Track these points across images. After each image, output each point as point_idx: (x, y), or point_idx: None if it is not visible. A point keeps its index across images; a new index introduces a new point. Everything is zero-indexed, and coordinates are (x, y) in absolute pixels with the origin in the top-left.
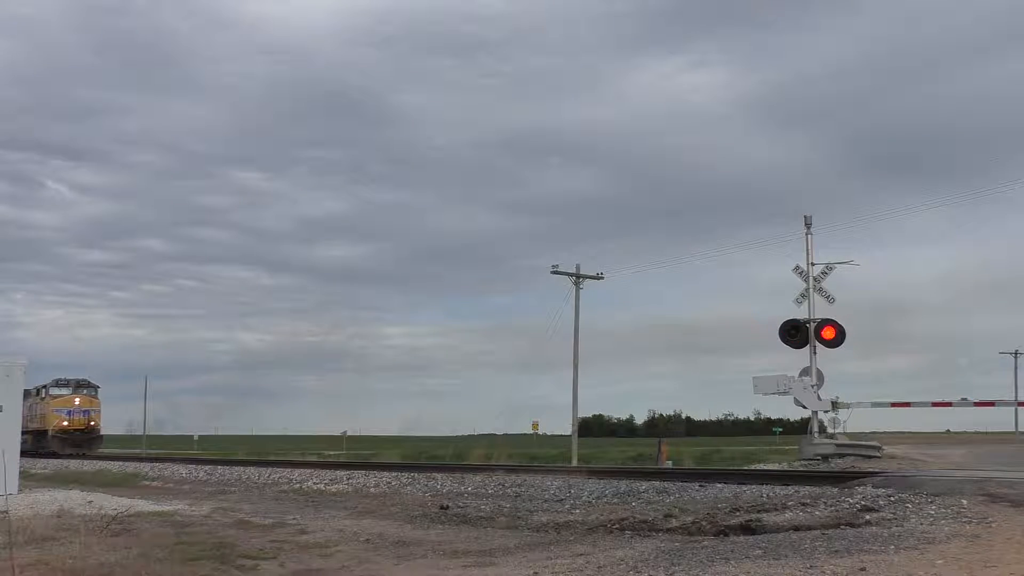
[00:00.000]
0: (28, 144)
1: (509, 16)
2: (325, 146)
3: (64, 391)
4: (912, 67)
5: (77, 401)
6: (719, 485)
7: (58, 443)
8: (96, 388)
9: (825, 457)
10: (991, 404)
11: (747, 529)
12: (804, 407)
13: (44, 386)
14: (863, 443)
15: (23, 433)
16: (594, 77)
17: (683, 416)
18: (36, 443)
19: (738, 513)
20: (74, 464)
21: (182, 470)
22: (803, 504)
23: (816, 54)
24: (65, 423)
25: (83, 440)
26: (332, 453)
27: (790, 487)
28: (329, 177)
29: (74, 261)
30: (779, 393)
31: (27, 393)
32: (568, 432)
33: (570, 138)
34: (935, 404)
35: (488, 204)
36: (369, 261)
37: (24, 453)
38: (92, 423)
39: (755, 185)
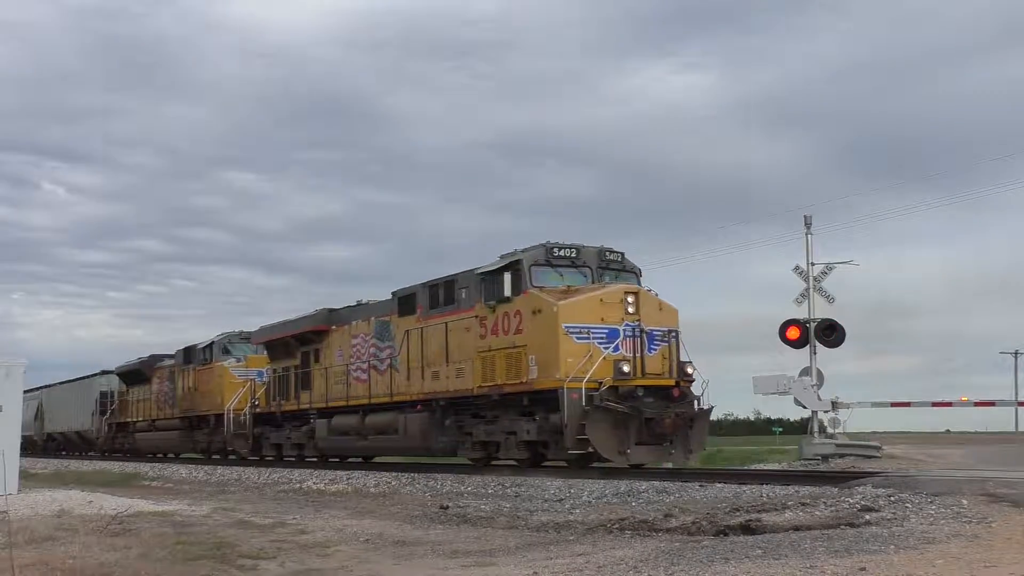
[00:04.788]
0: (24, 146)
1: (505, 18)
2: (321, 148)
3: (567, 268)
4: (911, 67)
5: (631, 302)
6: (719, 485)
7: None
8: (638, 273)
9: (825, 457)
10: (991, 404)
11: (747, 529)
12: (804, 407)
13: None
14: (863, 443)
15: (392, 410)
16: (590, 79)
17: None
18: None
19: (738, 513)
20: (74, 464)
21: (182, 470)
22: (803, 504)
23: (814, 55)
24: (625, 368)
25: (677, 424)
26: None
27: (790, 487)
28: (325, 178)
29: (71, 262)
30: (779, 393)
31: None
32: None
33: (567, 139)
34: (935, 404)
35: (486, 205)
36: (366, 262)
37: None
38: (690, 373)
39: (754, 185)
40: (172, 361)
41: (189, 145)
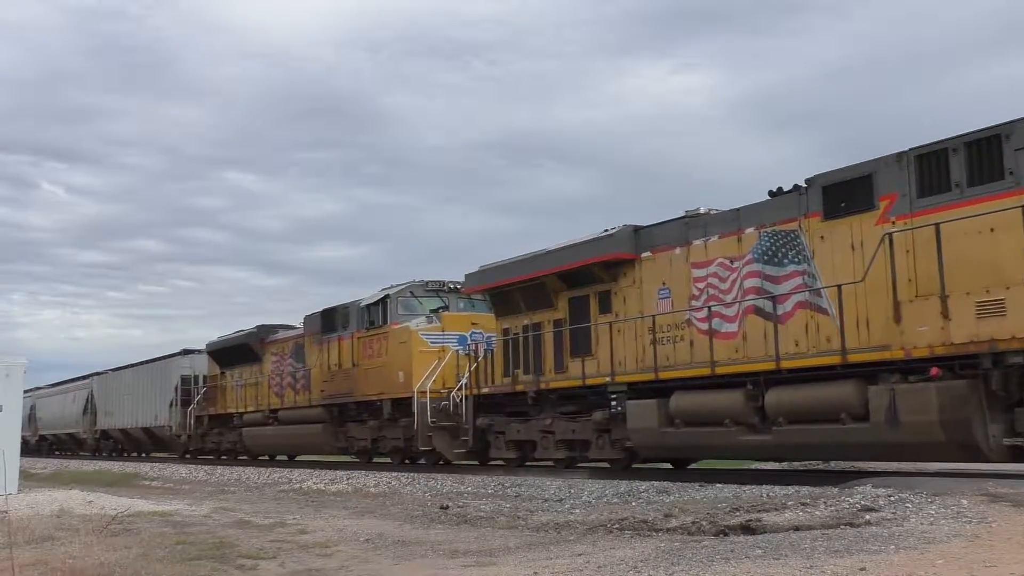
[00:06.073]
0: (23, 146)
1: (505, 18)
2: (320, 148)
3: None
4: (910, 67)
5: None
6: (719, 485)
7: None
8: None
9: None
10: None
11: (747, 529)
12: None
13: None
14: None
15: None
16: (590, 79)
17: None
18: None
19: (738, 513)
20: (74, 464)
21: (182, 470)
22: (803, 504)
23: (814, 55)
24: None
25: None
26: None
27: (790, 487)
28: (324, 179)
29: (71, 262)
30: None
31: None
32: None
33: (566, 140)
34: None
35: (485, 205)
36: (366, 262)
37: None
38: None
39: (755, 185)
40: (296, 331)
41: (189, 145)
